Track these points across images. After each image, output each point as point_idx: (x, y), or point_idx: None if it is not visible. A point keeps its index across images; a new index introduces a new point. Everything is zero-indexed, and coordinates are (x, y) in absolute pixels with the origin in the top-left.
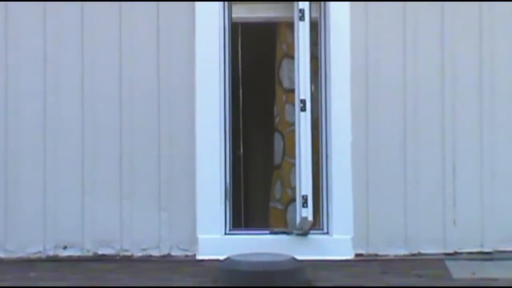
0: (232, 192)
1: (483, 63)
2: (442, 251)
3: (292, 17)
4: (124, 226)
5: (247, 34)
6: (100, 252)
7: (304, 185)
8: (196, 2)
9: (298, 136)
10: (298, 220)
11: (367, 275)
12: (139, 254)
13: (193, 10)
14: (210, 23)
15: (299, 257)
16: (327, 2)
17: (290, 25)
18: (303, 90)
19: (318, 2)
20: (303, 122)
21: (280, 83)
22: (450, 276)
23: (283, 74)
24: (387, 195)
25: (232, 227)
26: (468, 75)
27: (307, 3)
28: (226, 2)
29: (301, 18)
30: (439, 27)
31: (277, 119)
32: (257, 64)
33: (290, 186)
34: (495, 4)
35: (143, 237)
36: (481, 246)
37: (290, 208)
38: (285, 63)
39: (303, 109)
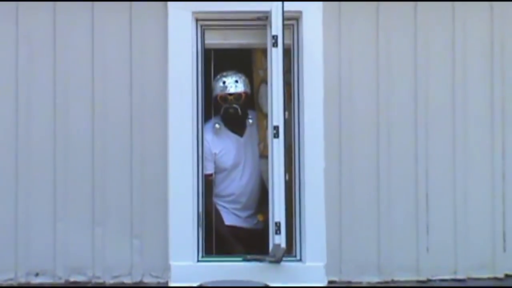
0: (204, 218)
1: (456, 90)
2: (415, 278)
3: (265, 44)
4: (96, 253)
5: (220, 60)
6: (72, 279)
7: (277, 212)
8: (169, 29)
9: (271, 163)
10: (271, 247)
11: None
12: (111, 281)
13: (166, 36)
14: (183, 49)
15: (272, 284)
16: (300, 28)
17: (265, 51)
18: (276, 116)
19: (291, 28)
20: (276, 149)
21: (260, 109)
22: None
23: (263, 100)
24: (360, 222)
25: (205, 253)
26: (441, 101)
27: (280, 29)
28: (198, 28)
29: (274, 44)
30: (412, 53)
31: (261, 145)
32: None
33: None
34: (468, 29)
35: (115, 264)
36: (455, 273)
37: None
38: (263, 88)
39: (276, 135)
